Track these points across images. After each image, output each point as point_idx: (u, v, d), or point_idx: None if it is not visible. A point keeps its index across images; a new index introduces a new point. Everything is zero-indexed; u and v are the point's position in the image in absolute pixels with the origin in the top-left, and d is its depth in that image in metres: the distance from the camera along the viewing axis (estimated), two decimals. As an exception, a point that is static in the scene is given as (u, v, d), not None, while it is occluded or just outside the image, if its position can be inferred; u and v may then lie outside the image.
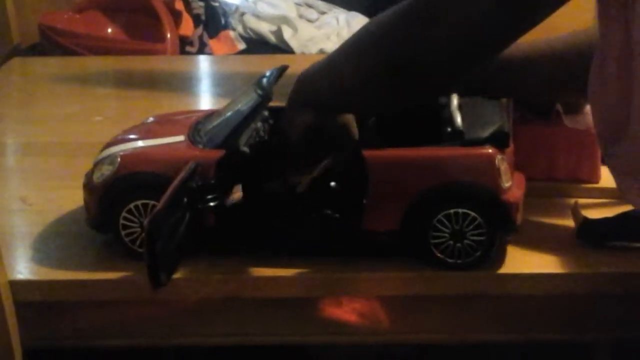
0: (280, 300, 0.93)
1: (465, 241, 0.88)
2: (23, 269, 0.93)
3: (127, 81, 1.72)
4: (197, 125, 0.98)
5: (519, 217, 0.90)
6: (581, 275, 0.92)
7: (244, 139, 0.93)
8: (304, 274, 0.91)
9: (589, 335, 0.97)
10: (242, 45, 2.35)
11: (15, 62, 1.82)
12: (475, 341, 0.98)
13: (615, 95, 0.77)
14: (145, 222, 0.82)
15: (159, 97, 1.53)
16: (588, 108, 1.05)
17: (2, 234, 0.98)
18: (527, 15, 0.77)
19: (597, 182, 1.07)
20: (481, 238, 0.88)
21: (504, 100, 0.99)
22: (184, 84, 1.68)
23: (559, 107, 1.08)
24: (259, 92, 0.95)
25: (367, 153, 0.89)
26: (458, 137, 0.90)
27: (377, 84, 0.83)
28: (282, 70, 1.00)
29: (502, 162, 0.89)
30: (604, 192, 1.06)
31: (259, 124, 0.98)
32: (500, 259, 0.93)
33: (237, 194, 0.94)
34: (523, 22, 0.78)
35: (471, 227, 0.88)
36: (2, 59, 1.91)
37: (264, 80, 0.97)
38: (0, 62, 1.85)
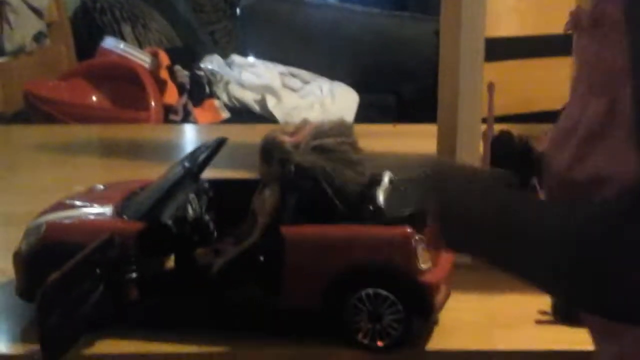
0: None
1: (383, 323, 0.87)
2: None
3: (110, 150, 1.72)
4: (130, 196, 0.99)
5: (438, 300, 0.89)
6: (551, 353, 0.92)
7: (169, 211, 0.93)
8: (279, 350, 0.90)
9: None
10: (226, 114, 2.37)
11: (-1, 130, 1.83)
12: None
13: None
14: (38, 293, 0.80)
15: (142, 166, 1.53)
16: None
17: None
18: None
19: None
20: (398, 320, 0.87)
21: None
22: (168, 152, 1.68)
23: (534, 181, 1.10)
24: (186, 165, 0.96)
25: (284, 229, 0.89)
26: (378, 216, 0.89)
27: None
28: (220, 144, 1.01)
29: (419, 243, 0.88)
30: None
31: (192, 196, 0.98)
32: (473, 335, 0.93)
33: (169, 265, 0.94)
34: None
35: (388, 308, 0.87)
36: (-14, 127, 1.91)
37: (195, 153, 0.98)
38: (-16, 130, 1.86)
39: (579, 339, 0.92)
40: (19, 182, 1.49)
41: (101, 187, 1.09)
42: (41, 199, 1.36)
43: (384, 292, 0.87)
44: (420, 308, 0.88)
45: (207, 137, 1.92)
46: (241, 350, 0.91)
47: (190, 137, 1.93)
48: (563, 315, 0.95)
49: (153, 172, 1.47)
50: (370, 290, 0.87)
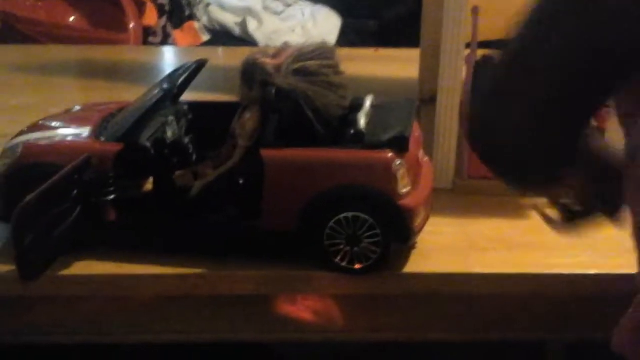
0: (235, 298, 0.93)
1: (361, 246, 0.88)
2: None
3: (88, 71, 1.70)
4: (108, 118, 0.98)
5: (417, 224, 0.89)
6: (528, 276, 0.92)
7: (148, 133, 0.92)
8: (257, 272, 0.91)
9: (542, 335, 0.99)
10: (206, 37, 2.34)
11: (-26, 50, 1.80)
12: (432, 340, 0.99)
13: None
14: (14, 214, 0.80)
15: (120, 88, 1.52)
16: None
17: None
18: None
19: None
20: (376, 243, 0.87)
21: (415, 102, 0.99)
22: (147, 75, 1.66)
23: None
24: (165, 86, 0.95)
25: (264, 152, 0.88)
26: (359, 140, 0.88)
27: None
28: (199, 66, 0.99)
29: (399, 167, 0.87)
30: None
31: (170, 119, 0.97)
32: (450, 258, 0.94)
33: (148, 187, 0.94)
34: None
35: (366, 231, 0.87)
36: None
37: (174, 75, 0.97)
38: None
39: (554, 263, 0.94)
40: (-5, 103, 1.47)
41: (79, 108, 1.08)
42: (18, 121, 1.35)
43: (362, 216, 0.87)
44: (399, 232, 0.88)
45: (187, 59, 1.91)
46: (219, 272, 0.91)
47: (169, 59, 1.90)
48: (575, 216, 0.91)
49: (131, 94, 1.46)
50: (349, 214, 0.87)
